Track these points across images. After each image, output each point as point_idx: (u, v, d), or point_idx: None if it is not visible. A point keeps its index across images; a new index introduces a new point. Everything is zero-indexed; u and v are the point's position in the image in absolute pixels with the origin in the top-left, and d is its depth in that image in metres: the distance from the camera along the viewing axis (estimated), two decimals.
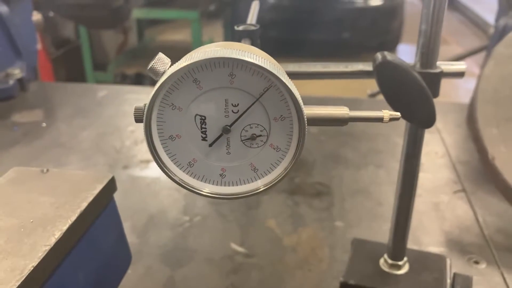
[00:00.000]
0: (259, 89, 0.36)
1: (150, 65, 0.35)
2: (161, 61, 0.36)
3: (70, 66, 3.14)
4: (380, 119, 0.38)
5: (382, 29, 4.14)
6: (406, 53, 4.28)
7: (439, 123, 1.22)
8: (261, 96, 0.36)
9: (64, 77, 3.02)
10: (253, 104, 0.36)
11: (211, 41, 3.92)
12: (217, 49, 0.34)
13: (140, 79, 3.22)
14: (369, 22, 4.09)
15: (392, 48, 4.32)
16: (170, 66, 0.36)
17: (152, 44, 4.35)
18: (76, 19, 2.78)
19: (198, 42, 3.37)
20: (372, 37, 4.09)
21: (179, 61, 0.35)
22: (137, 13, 3.39)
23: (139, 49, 4.08)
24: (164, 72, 0.35)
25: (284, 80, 0.34)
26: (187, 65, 0.34)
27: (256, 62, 0.34)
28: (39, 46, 1.54)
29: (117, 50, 3.73)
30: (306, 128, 0.36)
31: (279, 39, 3.83)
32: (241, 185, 0.39)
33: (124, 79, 3.23)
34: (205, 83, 0.35)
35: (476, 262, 0.76)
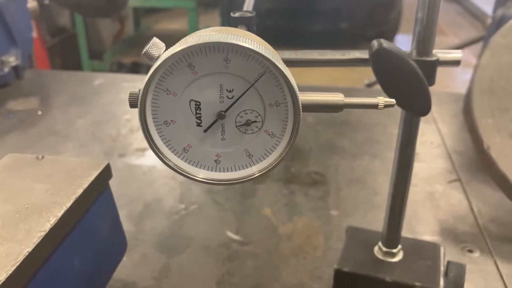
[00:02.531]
0: (254, 74, 0.35)
1: (144, 50, 0.35)
2: (155, 46, 0.35)
3: (66, 55, 3.12)
4: (375, 106, 0.38)
5: (380, 19, 4.13)
6: (404, 43, 4.27)
7: (435, 113, 1.22)
8: (256, 81, 0.36)
9: (60, 66, 3.01)
10: (248, 89, 0.36)
11: None
12: (212, 33, 0.34)
13: (137, 68, 3.20)
14: (367, 12, 4.08)
15: (390, 38, 4.31)
16: (165, 51, 0.36)
17: (149, 33, 4.33)
18: (72, 7, 2.76)
19: (194, 31, 3.35)
20: (370, 27, 4.08)
21: (173, 46, 0.35)
22: (134, 2, 3.37)
23: (136, 38, 4.06)
24: (158, 57, 0.35)
25: (279, 66, 0.34)
26: (182, 49, 0.34)
27: (251, 47, 0.33)
28: (34, 34, 1.53)
29: (113, 39, 3.71)
30: (301, 114, 0.36)
31: (276, 28, 3.82)
32: (236, 171, 0.39)
33: (120, 68, 3.22)
34: (200, 68, 0.35)
35: (470, 251, 0.77)
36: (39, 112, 1.23)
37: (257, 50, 0.33)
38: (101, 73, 1.58)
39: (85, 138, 1.11)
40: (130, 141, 1.10)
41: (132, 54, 3.58)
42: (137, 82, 1.42)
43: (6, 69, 1.30)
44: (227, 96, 0.36)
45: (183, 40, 0.35)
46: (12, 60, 1.32)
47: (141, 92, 0.36)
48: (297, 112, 0.36)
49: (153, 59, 0.35)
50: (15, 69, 1.33)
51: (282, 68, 0.34)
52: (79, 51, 3.26)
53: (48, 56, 2.77)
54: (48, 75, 1.55)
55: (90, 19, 3.28)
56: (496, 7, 1.27)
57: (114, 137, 1.11)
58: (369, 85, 1.49)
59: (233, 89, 0.36)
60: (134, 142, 1.09)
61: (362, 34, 4.04)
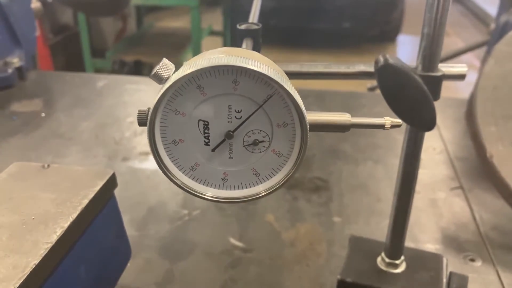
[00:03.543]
0: (262, 96, 0.36)
1: (154, 71, 0.35)
2: (165, 67, 0.36)
3: (69, 53, 3.13)
4: (381, 126, 0.39)
5: (383, 19, 4.13)
6: (406, 44, 4.28)
7: (438, 118, 1.21)
8: (264, 103, 0.36)
9: (62, 64, 3.01)
10: (256, 110, 0.36)
11: (210, 28, 3.90)
12: (221, 56, 0.34)
13: (139, 67, 3.21)
14: (370, 12, 4.08)
15: (392, 38, 4.31)
16: (174, 72, 0.36)
17: (151, 31, 4.33)
18: (74, 5, 2.76)
19: (197, 29, 3.35)
20: (372, 27, 4.08)
21: (182, 67, 0.35)
22: (136, 0, 3.37)
23: (138, 36, 4.06)
24: (168, 78, 0.35)
25: (287, 88, 0.34)
26: (192, 72, 0.34)
27: (260, 70, 0.34)
28: (37, 32, 1.53)
29: (116, 37, 3.71)
30: (308, 134, 0.37)
31: (279, 28, 3.82)
32: (242, 189, 0.40)
33: (122, 66, 3.22)
34: (209, 89, 0.36)
35: (472, 260, 0.77)
36: (43, 114, 1.23)
37: (266, 73, 0.34)
38: (104, 74, 1.58)
39: (88, 141, 1.11)
40: (134, 145, 1.10)
41: (134, 52, 3.58)
42: (140, 84, 1.43)
43: (10, 70, 1.30)
44: (235, 117, 0.37)
45: (192, 61, 0.36)
46: (16, 61, 1.32)
47: (150, 112, 0.36)
48: (304, 133, 0.36)
49: (163, 80, 0.35)
50: (19, 70, 1.33)
51: (290, 90, 0.34)
52: (81, 49, 3.26)
53: (51, 54, 2.77)
54: (52, 77, 1.56)
55: (92, 18, 3.28)
56: (500, 12, 1.27)
57: (117, 140, 1.12)
58: (372, 89, 1.50)
59: (241, 110, 0.36)
60: (137, 145, 1.09)
61: (365, 34, 4.04)
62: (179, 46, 3.76)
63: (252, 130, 0.37)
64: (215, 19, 4.10)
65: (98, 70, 3.30)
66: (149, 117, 0.36)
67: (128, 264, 0.70)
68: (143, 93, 1.36)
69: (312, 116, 0.38)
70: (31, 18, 1.43)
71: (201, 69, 0.34)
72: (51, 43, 2.89)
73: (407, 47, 4.20)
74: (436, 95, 0.51)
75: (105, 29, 3.54)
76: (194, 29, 3.36)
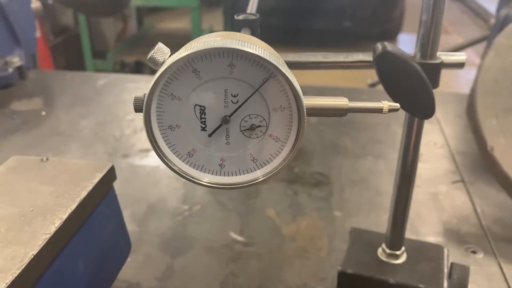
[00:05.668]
0: (258, 79, 0.35)
1: (149, 55, 0.35)
2: (160, 51, 0.35)
3: (69, 54, 3.13)
4: (379, 110, 0.38)
5: (383, 18, 4.12)
6: (407, 43, 4.27)
7: (438, 113, 1.22)
8: (260, 86, 0.36)
9: (63, 65, 3.01)
10: (252, 94, 0.36)
11: (211, 29, 3.90)
12: (217, 39, 0.34)
13: (140, 67, 3.21)
14: (370, 11, 4.08)
15: (393, 37, 4.31)
16: (169, 56, 0.36)
17: (152, 32, 4.34)
18: (75, 6, 2.77)
19: (197, 30, 3.35)
20: (373, 26, 4.08)
21: (178, 51, 0.35)
22: (137, 1, 3.37)
23: (139, 37, 4.06)
24: (163, 62, 0.35)
25: (283, 71, 0.34)
26: (187, 55, 0.34)
27: (256, 52, 0.33)
28: (38, 33, 1.54)
29: (116, 38, 3.71)
30: (305, 118, 0.36)
31: (280, 27, 3.82)
32: (240, 175, 0.39)
33: (123, 67, 3.22)
34: (204, 73, 0.35)
35: (474, 252, 0.77)
36: (43, 113, 1.23)
37: (262, 55, 0.34)
38: (105, 73, 1.58)
39: (89, 139, 1.11)
40: (134, 142, 1.10)
41: (135, 53, 3.58)
42: (140, 83, 1.43)
43: (10, 70, 1.31)
44: (231, 101, 0.36)
45: (187, 45, 0.35)
46: (16, 60, 1.32)
47: (146, 97, 0.36)
48: (301, 117, 0.36)
49: (158, 64, 0.35)
50: (19, 70, 1.33)
51: (286, 73, 0.34)
52: (82, 51, 3.26)
53: (51, 56, 2.77)
54: (52, 75, 1.56)
55: (93, 19, 3.28)
56: (500, 6, 1.26)
57: (117, 137, 1.12)
58: (372, 85, 1.49)
59: (237, 94, 0.36)
60: (137, 142, 1.09)
61: (365, 33, 4.04)
62: (179, 47, 3.75)
63: (249, 115, 0.37)
64: (215, 20, 4.10)
65: (99, 71, 3.30)
66: (145, 102, 0.36)
67: (129, 259, 0.70)
68: (143, 91, 1.36)
69: (309, 100, 0.38)
70: (31, 18, 1.43)
71: (196, 52, 0.33)
72: (52, 45, 2.89)
73: (407, 46, 4.19)
74: (435, 82, 0.51)
75: (105, 30, 3.54)
76: (194, 30, 3.36)
